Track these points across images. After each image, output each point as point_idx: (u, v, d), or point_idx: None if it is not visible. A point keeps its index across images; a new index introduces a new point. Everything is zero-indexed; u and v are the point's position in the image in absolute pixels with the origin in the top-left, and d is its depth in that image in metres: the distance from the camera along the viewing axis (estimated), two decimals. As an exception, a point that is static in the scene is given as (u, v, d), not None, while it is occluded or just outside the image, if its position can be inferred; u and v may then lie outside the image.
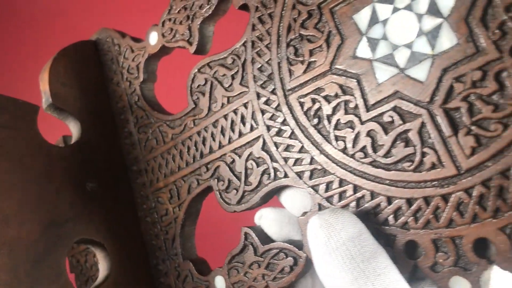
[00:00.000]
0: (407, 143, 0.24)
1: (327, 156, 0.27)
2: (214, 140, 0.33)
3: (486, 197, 0.22)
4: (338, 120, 0.26)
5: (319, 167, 0.27)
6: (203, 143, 0.33)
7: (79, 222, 0.34)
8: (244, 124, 0.31)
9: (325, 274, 0.23)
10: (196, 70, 0.34)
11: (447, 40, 0.23)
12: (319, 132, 0.27)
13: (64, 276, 0.32)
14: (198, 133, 0.34)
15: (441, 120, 0.23)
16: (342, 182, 0.26)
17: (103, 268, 0.35)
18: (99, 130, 0.38)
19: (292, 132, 0.28)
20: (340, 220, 0.24)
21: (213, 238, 0.47)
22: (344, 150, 0.26)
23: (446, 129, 0.23)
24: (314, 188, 0.27)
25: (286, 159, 0.29)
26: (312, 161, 0.28)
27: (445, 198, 0.23)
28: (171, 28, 0.35)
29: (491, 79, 0.22)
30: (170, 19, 0.35)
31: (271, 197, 0.31)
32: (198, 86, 0.34)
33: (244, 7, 0.31)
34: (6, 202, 0.31)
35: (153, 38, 0.37)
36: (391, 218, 0.25)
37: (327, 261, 0.23)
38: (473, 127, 0.22)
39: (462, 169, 0.22)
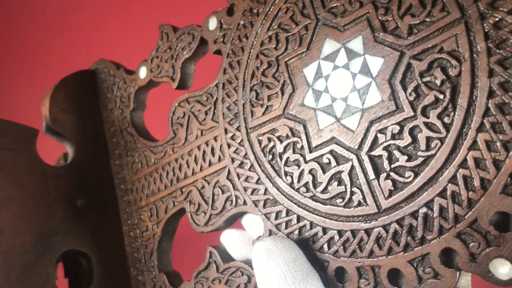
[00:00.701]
0: (340, 182, 0.28)
1: (278, 188, 0.31)
2: (188, 167, 0.37)
3: (399, 234, 0.26)
4: (288, 158, 0.30)
5: (271, 198, 0.31)
6: (179, 169, 0.37)
7: (68, 234, 0.39)
8: (213, 155, 0.35)
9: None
10: (177, 104, 0.38)
11: (374, 97, 0.27)
12: (272, 167, 0.31)
13: (51, 282, 0.36)
14: (176, 160, 0.38)
15: (367, 164, 0.27)
16: (288, 212, 0.30)
17: (87, 276, 0.40)
18: (92, 151, 0.43)
19: (252, 165, 0.32)
20: (279, 247, 0.28)
21: (190, 253, 0.51)
22: (291, 184, 0.30)
23: (370, 173, 0.27)
24: (267, 215, 0.31)
25: (245, 189, 0.33)
26: (266, 191, 0.32)
27: (367, 232, 0.27)
28: (158, 65, 0.40)
29: (406, 133, 0.25)
30: (157, 57, 0.40)
31: (234, 221, 0.35)
32: (178, 118, 0.38)
33: (218, 52, 0.36)
34: (2, 215, 0.35)
35: (143, 72, 0.41)
36: (325, 246, 0.29)
37: (265, 281, 0.27)
38: (391, 173, 0.26)
39: (382, 208, 0.26)
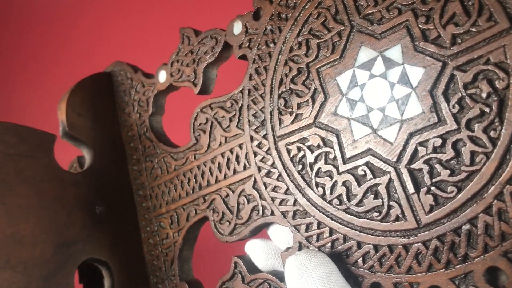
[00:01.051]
0: (376, 195, 0.27)
1: (309, 199, 0.30)
2: (211, 174, 0.36)
3: (440, 250, 0.25)
4: (319, 168, 0.30)
5: (301, 209, 0.30)
6: (202, 176, 0.37)
7: (88, 243, 0.38)
8: (238, 163, 0.34)
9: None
10: (199, 110, 0.37)
11: (414, 108, 0.26)
12: (302, 177, 0.30)
13: (71, 292, 0.36)
14: (198, 166, 0.37)
15: (406, 178, 0.26)
16: (320, 225, 0.29)
17: (107, 285, 0.39)
18: (110, 156, 0.42)
19: (280, 175, 0.32)
20: (313, 261, 0.27)
21: (211, 261, 0.51)
22: (323, 196, 0.29)
23: (410, 187, 0.26)
24: (296, 227, 0.31)
25: (273, 199, 0.32)
26: (295, 203, 0.31)
27: (406, 247, 0.26)
28: (178, 69, 0.39)
29: (449, 147, 0.24)
30: (178, 61, 0.39)
31: (260, 230, 0.34)
32: (200, 124, 0.37)
33: (244, 57, 0.35)
34: (22, 225, 0.34)
35: (162, 76, 0.40)
36: (360, 261, 0.28)
37: (290, 285, 0.26)
38: (432, 187, 0.25)
39: (422, 223, 0.25)
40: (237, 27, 0.35)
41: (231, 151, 0.35)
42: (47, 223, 0.36)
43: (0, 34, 0.98)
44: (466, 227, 0.24)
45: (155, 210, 0.40)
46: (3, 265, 0.33)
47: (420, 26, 0.26)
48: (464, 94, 0.24)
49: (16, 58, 0.95)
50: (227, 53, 0.36)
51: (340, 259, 0.28)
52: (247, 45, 0.34)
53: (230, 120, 0.35)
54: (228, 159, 0.35)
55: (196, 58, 0.37)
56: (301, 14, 0.31)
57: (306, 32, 0.31)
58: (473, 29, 0.24)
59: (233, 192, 0.34)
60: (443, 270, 0.25)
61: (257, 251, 0.34)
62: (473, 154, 0.24)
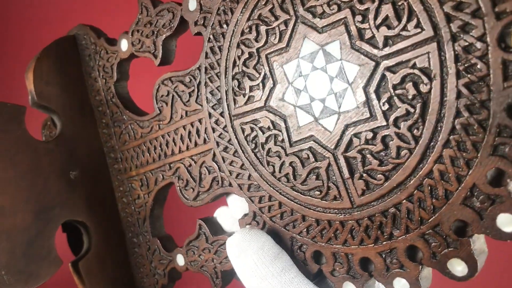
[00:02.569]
0: (318, 177, 0.30)
1: (261, 175, 0.33)
2: (175, 144, 0.38)
3: (370, 228, 0.28)
4: (270, 148, 0.32)
5: (255, 183, 0.33)
6: (167, 145, 0.39)
7: (65, 206, 0.41)
8: (199, 136, 0.37)
9: (242, 279, 0.31)
10: (160, 82, 0.39)
11: (350, 102, 0.28)
12: (255, 155, 0.33)
13: (53, 252, 0.39)
14: (163, 136, 0.39)
15: (342, 164, 0.29)
16: (271, 198, 0.33)
17: (86, 241, 0.43)
18: (80, 121, 0.44)
19: (236, 151, 0.34)
20: (247, 238, 0.31)
21: (181, 218, 0.55)
22: (273, 173, 0.32)
23: (345, 172, 0.29)
24: (251, 198, 0.34)
25: (231, 172, 0.35)
26: (249, 177, 0.34)
27: (342, 223, 0.29)
28: (139, 39, 0.40)
29: (379, 141, 0.27)
30: (138, 31, 0.40)
31: (219, 197, 0.37)
32: (162, 96, 0.39)
33: (199, 34, 0.36)
34: (1, 197, 0.37)
35: (124, 45, 0.41)
36: (304, 231, 0.31)
37: (241, 272, 0.31)
38: (364, 174, 0.28)
39: (355, 204, 0.29)
40: (192, 4, 0.35)
41: (191, 124, 0.37)
42: (25, 192, 0.39)
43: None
44: (392, 210, 0.27)
45: (126, 172, 0.43)
46: (-12, 235, 0.36)
47: (356, 24, 0.27)
48: (393, 93, 0.26)
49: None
50: (184, 27, 0.37)
51: (288, 228, 0.32)
52: (201, 22, 0.35)
53: (190, 95, 0.37)
54: (189, 132, 0.37)
55: (155, 30, 0.38)
56: (251, -1, 0.32)
57: (256, 18, 0.32)
58: (403, 33, 0.25)
59: (195, 162, 0.37)
60: (372, 245, 0.28)
61: (224, 217, 0.38)
62: (399, 148, 0.26)
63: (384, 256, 0.28)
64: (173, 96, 0.38)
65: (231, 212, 0.37)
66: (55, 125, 0.43)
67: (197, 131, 0.37)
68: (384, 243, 0.28)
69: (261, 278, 0.30)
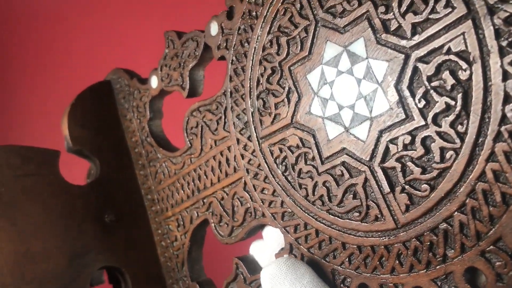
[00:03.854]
0: (355, 195, 0.26)
1: (294, 201, 0.30)
2: (207, 177, 0.36)
3: (420, 251, 0.24)
4: (301, 169, 0.29)
5: (288, 210, 0.30)
6: (199, 179, 0.37)
7: (100, 251, 0.39)
8: (228, 165, 0.34)
9: None
10: (189, 113, 0.37)
11: (381, 104, 0.24)
12: (286, 178, 0.30)
13: (88, 301, 0.37)
14: (194, 170, 0.37)
15: (380, 177, 0.25)
16: (306, 226, 0.29)
17: (124, 288, 0.40)
18: (117, 163, 0.43)
19: (266, 177, 0.31)
20: (283, 269, 0.27)
21: (221, 260, 0.51)
22: (306, 197, 0.29)
23: (385, 186, 0.25)
24: (286, 229, 0.30)
25: (263, 201, 0.32)
26: (282, 204, 0.30)
27: (387, 248, 0.25)
28: (167, 73, 0.39)
29: (419, 144, 0.23)
30: (166, 65, 0.39)
31: (256, 232, 0.34)
32: (192, 128, 0.37)
33: (223, 58, 0.34)
34: (33, 242, 0.36)
35: (154, 82, 0.40)
36: (346, 262, 0.27)
37: None
38: (406, 186, 0.24)
39: (400, 223, 0.24)
40: (214, 28, 0.34)
41: (221, 153, 0.35)
42: (59, 237, 0.37)
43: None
44: (443, 226, 0.23)
45: (163, 213, 0.41)
46: (19, 282, 0.35)
47: (380, 16, 0.24)
48: (428, 87, 0.23)
49: (16, 73, 0.97)
50: (209, 54, 0.36)
51: (328, 260, 0.28)
52: (224, 45, 0.33)
53: (217, 122, 0.35)
54: (220, 162, 0.35)
55: (181, 62, 0.37)
56: (269, 11, 0.30)
57: (276, 30, 0.30)
58: (432, 17, 0.22)
59: (227, 194, 0.35)
60: (424, 271, 0.24)
61: (259, 251, 0.34)
62: (442, 150, 0.22)
63: (439, 283, 0.23)
64: (202, 126, 0.36)
65: (267, 245, 0.33)
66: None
67: (227, 160, 0.34)
68: (437, 267, 0.23)
69: None
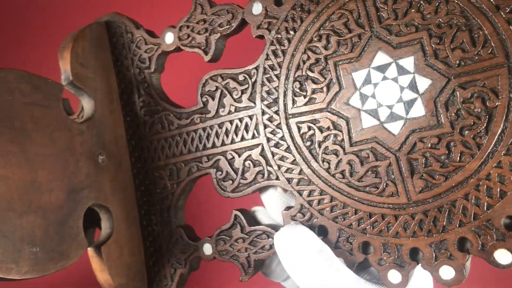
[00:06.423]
0: (376, 174, 0.34)
1: (313, 171, 0.36)
2: (217, 138, 0.40)
3: (424, 222, 0.32)
4: (327, 147, 0.35)
5: (305, 178, 0.36)
6: (207, 138, 0.41)
7: (92, 189, 0.41)
8: (247, 131, 0.39)
9: (290, 271, 0.34)
10: (208, 77, 0.41)
11: (418, 110, 0.32)
12: (310, 151, 0.36)
13: (81, 234, 0.39)
14: (204, 129, 0.41)
15: (404, 164, 0.33)
16: (322, 192, 0.36)
17: (105, 227, 0.42)
18: (108, 107, 0.44)
19: (288, 147, 0.37)
20: (294, 233, 0.34)
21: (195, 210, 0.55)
22: (327, 169, 0.35)
23: (406, 172, 0.33)
24: (299, 192, 0.37)
25: (279, 166, 0.37)
26: (301, 172, 0.37)
27: (396, 217, 0.33)
28: (188, 34, 0.41)
29: (443, 145, 0.32)
30: (188, 26, 0.41)
31: (262, 190, 0.40)
32: (209, 90, 0.41)
33: (260, 37, 0.38)
34: (40, 172, 0.37)
35: (169, 38, 0.42)
36: (354, 224, 0.35)
37: (290, 263, 0.34)
38: (424, 175, 0.32)
39: (412, 200, 0.33)
40: (257, 8, 0.38)
41: (240, 120, 0.39)
42: (60, 170, 0.38)
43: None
44: (447, 207, 0.32)
45: (153, 162, 0.44)
46: (27, 209, 0.35)
47: (432, 45, 0.32)
48: (460, 106, 0.31)
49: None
50: (240, 29, 0.40)
51: (337, 220, 0.35)
52: (266, 26, 0.38)
53: (242, 92, 0.39)
54: (237, 127, 0.39)
55: (209, 28, 0.40)
56: (324, 11, 0.35)
57: (328, 28, 0.35)
58: (476, 57, 0.30)
59: (239, 156, 0.39)
60: (424, 236, 0.32)
61: (261, 214, 0.40)
62: (461, 153, 0.31)
63: (433, 246, 0.32)
64: (222, 91, 0.40)
65: (268, 209, 0.40)
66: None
67: (246, 126, 0.39)
68: (435, 235, 0.32)
69: (310, 270, 0.33)
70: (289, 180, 0.37)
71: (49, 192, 0.37)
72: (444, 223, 0.32)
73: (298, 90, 0.36)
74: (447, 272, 0.32)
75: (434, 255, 0.32)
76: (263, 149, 0.38)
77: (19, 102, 0.36)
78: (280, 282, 0.43)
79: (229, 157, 0.40)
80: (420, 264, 0.33)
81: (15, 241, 0.34)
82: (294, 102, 0.37)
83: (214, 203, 0.44)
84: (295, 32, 0.37)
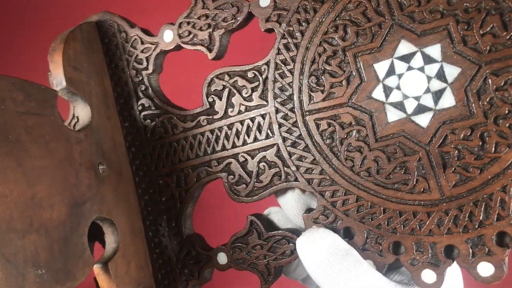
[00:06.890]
0: (405, 170, 0.32)
1: (336, 170, 0.34)
2: (227, 140, 0.38)
3: (459, 218, 0.31)
4: (350, 144, 0.34)
5: (327, 177, 0.34)
6: (216, 140, 0.38)
7: (95, 202, 0.38)
8: (260, 132, 0.36)
9: (316, 277, 0.32)
10: (214, 76, 0.38)
11: (448, 101, 0.31)
12: (331, 150, 0.34)
13: (87, 251, 0.36)
14: (211, 131, 0.38)
15: (435, 158, 0.31)
16: (346, 192, 0.34)
17: (110, 241, 0.39)
18: (105, 113, 0.41)
19: (306, 146, 0.35)
20: (317, 237, 0.33)
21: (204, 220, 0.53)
22: (351, 168, 0.34)
23: (437, 166, 0.31)
24: (321, 193, 0.35)
25: (298, 167, 0.35)
26: (322, 172, 0.34)
27: (428, 214, 0.32)
28: (189, 31, 0.39)
29: (476, 136, 0.30)
30: (188, 23, 0.39)
31: (278, 193, 0.37)
32: (215, 90, 0.38)
33: (269, 30, 0.36)
34: (39, 187, 0.33)
35: (168, 36, 0.40)
36: (383, 224, 0.33)
37: (314, 268, 0.32)
38: (457, 168, 0.31)
39: (445, 196, 0.31)
40: (264, 0, 0.36)
41: (251, 119, 0.37)
42: (60, 183, 0.35)
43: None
44: (484, 200, 0.30)
45: (157, 169, 0.41)
46: (28, 228, 0.32)
47: (460, 32, 0.30)
48: (493, 94, 0.29)
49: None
50: (245, 23, 0.37)
51: (363, 221, 0.33)
52: (275, 19, 0.35)
53: (252, 90, 0.37)
54: (248, 127, 0.37)
55: (212, 23, 0.38)
56: (339, 0, 0.33)
57: (345, 18, 0.33)
58: (509, 42, 0.29)
59: (252, 158, 0.37)
60: (460, 233, 0.31)
61: (278, 216, 0.38)
62: (497, 144, 0.30)
63: (470, 242, 0.31)
64: (230, 90, 0.37)
65: (286, 212, 0.37)
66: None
67: (258, 126, 0.36)
68: (471, 230, 0.31)
69: (336, 273, 0.31)
70: (309, 181, 0.35)
71: (51, 207, 0.34)
72: (481, 218, 0.30)
73: (314, 85, 0.34)
74: (485, 269, 0.30)
75: (471, 251, 0.31)
76: (278, 149, 0.36)
77: (11, 111, 0.33)
78: (299, 281, 0.41)
79: (241, 159, 0.37)
80: (455, 262, 0.31)
81: (19, 264, 0.31)
82: (310, 98, 0.35)
83: (218, 208, 0.41)
84: (308, 23, 0.34)
